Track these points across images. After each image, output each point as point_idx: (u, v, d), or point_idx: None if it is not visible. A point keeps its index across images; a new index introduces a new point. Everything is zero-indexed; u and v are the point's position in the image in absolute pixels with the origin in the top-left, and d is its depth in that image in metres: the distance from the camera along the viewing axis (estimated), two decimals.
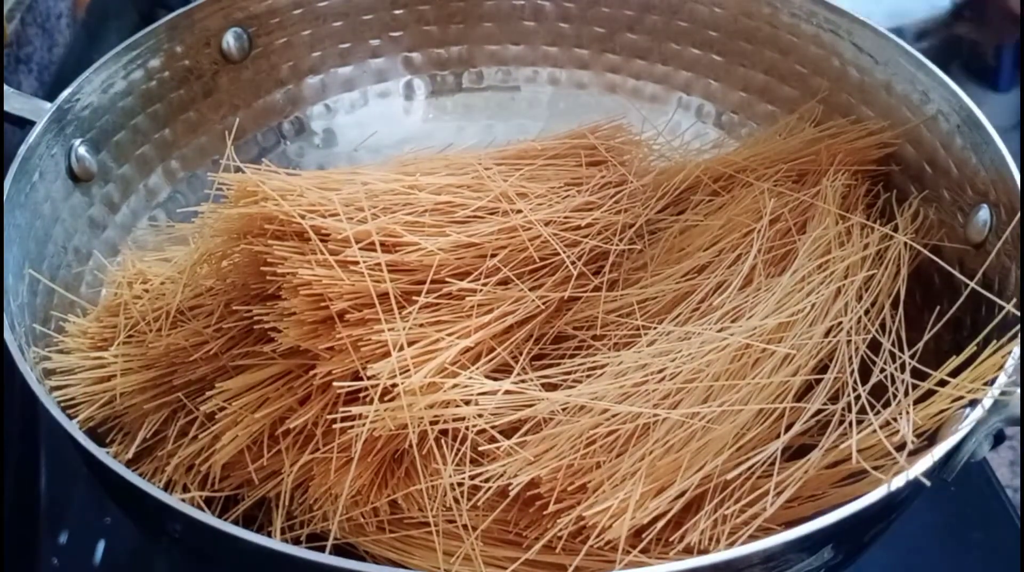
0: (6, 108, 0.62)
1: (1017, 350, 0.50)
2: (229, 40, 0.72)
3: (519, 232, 0.55)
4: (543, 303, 0.56)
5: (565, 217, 0.58)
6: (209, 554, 0.49)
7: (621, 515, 0.46)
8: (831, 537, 0.44)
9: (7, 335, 0.52)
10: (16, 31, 0.80)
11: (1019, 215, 0.56)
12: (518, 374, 0.53)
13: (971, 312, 0.58)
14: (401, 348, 0.49)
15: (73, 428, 0.48)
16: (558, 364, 0.55)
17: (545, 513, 0.48)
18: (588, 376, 0.53)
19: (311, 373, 0.51)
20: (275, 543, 0.43)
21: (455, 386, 0.50)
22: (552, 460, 0.48)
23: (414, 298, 0.52)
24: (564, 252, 0.56)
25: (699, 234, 0.62)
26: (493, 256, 0.54)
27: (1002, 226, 0.58)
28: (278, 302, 0.51)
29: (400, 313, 0.51)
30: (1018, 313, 0.53)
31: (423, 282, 0.52)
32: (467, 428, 0.49)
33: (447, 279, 0.53)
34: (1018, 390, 0.48)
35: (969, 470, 0.60)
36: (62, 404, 0.55)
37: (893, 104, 0.67)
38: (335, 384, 0.50)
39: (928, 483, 0.46)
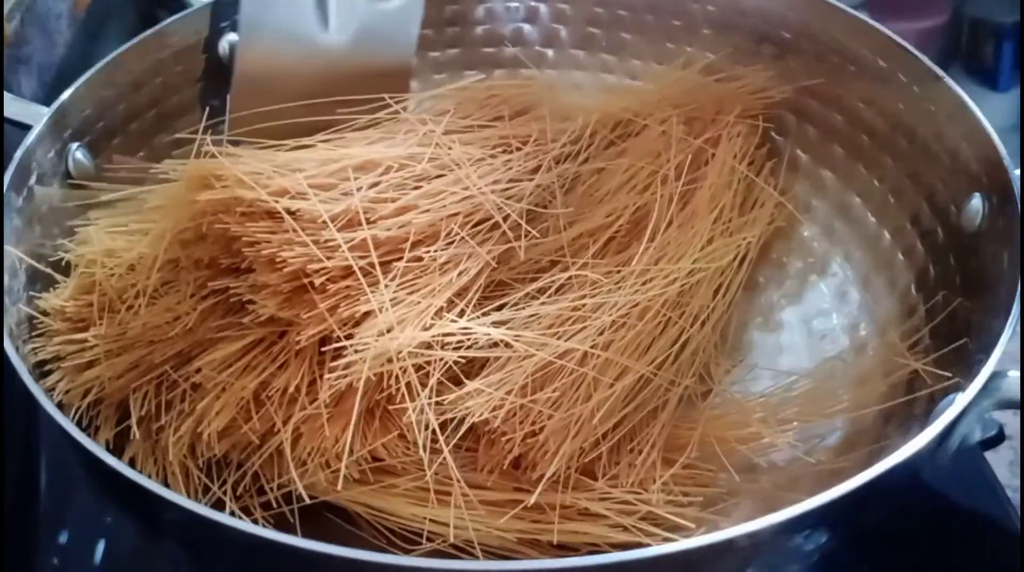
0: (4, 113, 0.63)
1: (1007, 334, 0.50)
2: (225, 46, 0.72)
3: (472, 198, 0.59)
4: (492, 259, 0.59)
5: (502, 189, 0.61)
6: (208, 551, 0.50)
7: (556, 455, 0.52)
8: (820, 520, 0.45)
9: (6, 338, 0.52)
10: (16, 31, 0.80)
11: (1015, 202, 0.56)
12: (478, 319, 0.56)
13: (965, 299, 0.58)
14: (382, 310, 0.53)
15: (66, 422, 0.49)
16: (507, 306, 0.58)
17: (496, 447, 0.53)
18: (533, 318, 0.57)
19: (286, 338, 0.54)
20: (274, 534, 0.43)
21: (432, 327, 0.53)
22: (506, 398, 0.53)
23: (386, 268, 0.55)
24: (508, 212, 0.60)
25: (609, 177, 0.66)
26: (451, 217, 0.58)
27: (995, 214, 0.58)
28: (250, 275, 0.53)
29: (373, 282, 0.54)
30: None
31: (392, 253, 0.55)
32: (436, 362, 0.52)
33: (415, 247, 0.56)
34: (1011, 373, 0.49)
35: (969, 470, 0.60)
36: (47, 388, 0.55)
37: (888, 95, 0.67)
38: (323, 348, 0.53)
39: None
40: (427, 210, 0.57)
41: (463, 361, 0.54)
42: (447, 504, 0.53)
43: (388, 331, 0.52)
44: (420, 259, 0.56)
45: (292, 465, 0.53)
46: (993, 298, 0.55)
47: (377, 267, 0.54)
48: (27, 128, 0.62)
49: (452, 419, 0.53)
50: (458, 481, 0.52)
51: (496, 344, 0.54)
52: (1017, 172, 0.57)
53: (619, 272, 0.59)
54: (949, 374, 0.54)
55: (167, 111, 0.71)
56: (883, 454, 0.45)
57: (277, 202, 0.53)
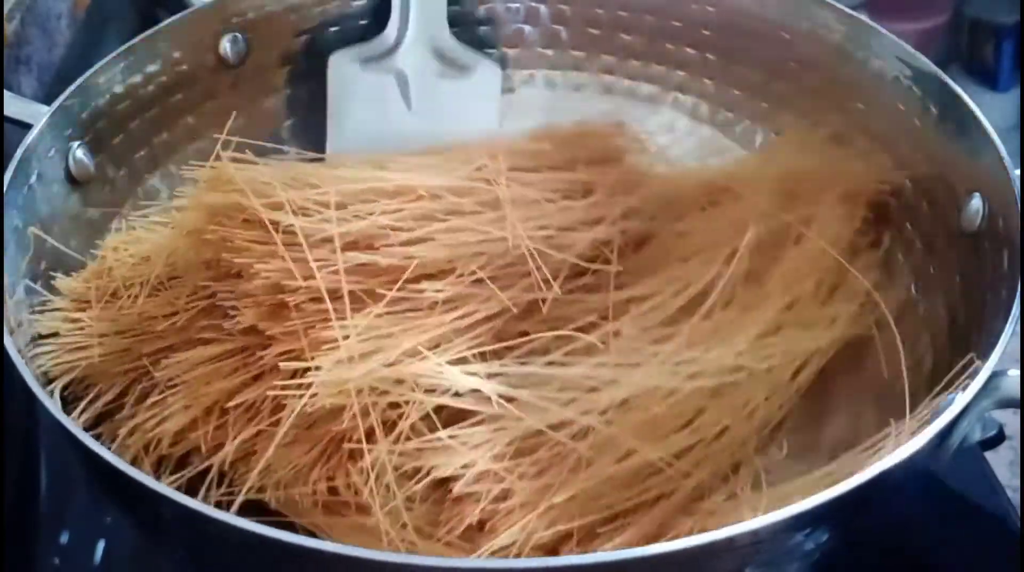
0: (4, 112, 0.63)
1: (1007, 334, 0.50)
2: (226, 45, 0.72)
3: (504, 241, 0.56)
4: (513, 305, 0.56)
5: (547, 235, 0.58)
6: (208, 549, 0.50)
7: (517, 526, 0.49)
8: (820, 519, 0.45)
9: (7, 338, 0.52)
10: (16, 31, 0.81)
11: (1015, 202, 0.56)
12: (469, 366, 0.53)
13: (966, 301, 0.58)
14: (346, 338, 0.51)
15: (67, 421, 0.49)
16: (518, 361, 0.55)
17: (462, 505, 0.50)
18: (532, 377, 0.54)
19: (265, 352, 0.53)
20: (274, 532, 0.42)
21: (398, 363, 0.51)
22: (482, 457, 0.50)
23: (379, 294, 0.53)
24: (539, 266, 0.56)
25: (680, 246, 0.63)
26: (475, 256, 0.55)
27: (995, 214, 0.58)
28: (241, 281, 0.53)
29: (357, 309, 0.52)
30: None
31: (393, 283, 0.53)
32: (412, 405, 0.50)
33: (418, 281, 0.54)
34: (1011, 372, 0.49)
35: (969, 470, 0.60)
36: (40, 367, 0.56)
37: (887, 97, 0.67)
38: (282, 365, 0.51)
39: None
40: (443, 245, 0.55)
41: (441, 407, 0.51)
42: (397, 548, 0.50)
43: (350, 360, 0.50)
44: (420, 293, 0.54)
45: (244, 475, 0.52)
46: (993, 298, 0.55)
47: (346, 296, 0.52)
48: (27, 127, 0.62)
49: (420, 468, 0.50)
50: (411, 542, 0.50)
51: (487, 398, 0.51)
52: (1017, 172, 0.57)
53: (654, 345, 0.56)
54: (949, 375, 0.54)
55: (168, 110, 0.71)
56: (883, 454, 0.46)
57: (263, 213, 0.53)
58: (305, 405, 0.50)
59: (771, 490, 0.53)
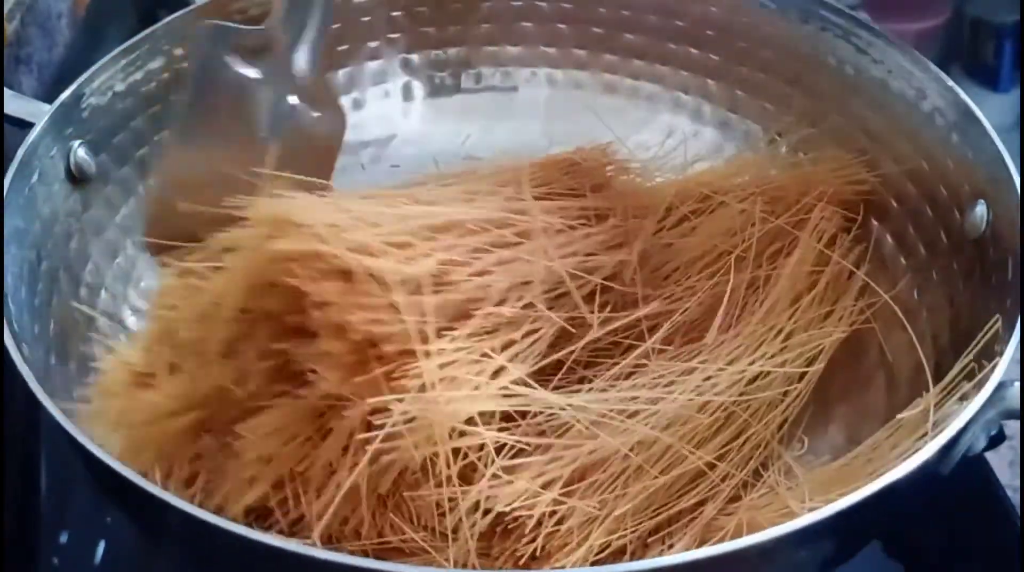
0: (5, 110, 0.63)
1: (1013, 343, 0.50)
2: None
3: (547, 269, 0.55)
4: (561, 328, 0.55)
5: (579, 261, 0.58)
6: (209, 554, 0.50)
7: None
8: (822, 534, 0.45)
9: (7, 337, 0.52)
10: (16, 31, 0.80)
11: (1018, 209, 0.56)
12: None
13: (969, 308, 0.58)
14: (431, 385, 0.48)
15: (67, 422, 0.48)
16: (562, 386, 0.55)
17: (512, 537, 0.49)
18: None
19: (335, 409, 0.50)
20: (275, 539, 0.43)
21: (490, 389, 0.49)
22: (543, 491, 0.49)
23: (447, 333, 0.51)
24: (576, 293, 0.56)
25: (678, 255, 0.63)
26: (524, 284, 0.54)
27: (999, 221, 0.58)
28: (314, 339, 0.49)
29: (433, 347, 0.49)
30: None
31: (458, 319, 0.51)
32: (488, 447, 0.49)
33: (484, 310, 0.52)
34: (1016, 383, 0.48)
35: (969, 470, 0.60)
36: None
37: (889, 101, 0.67)
38: (373, 422, 0.48)
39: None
40: (502, 276, 0.53)
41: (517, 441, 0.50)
42: None
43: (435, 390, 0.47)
44: (487, 326, 0.51)
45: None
46: (998, 306, 0.55)
47: (431, 335, 0.49)
48: (28, 126, 0.62)
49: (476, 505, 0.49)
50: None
51: (542, 432, 0.51)
52: (1018, 177, 0.57)
53: (688, 361, 0.57)
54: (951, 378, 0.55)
55: (169, 109, 0.70)
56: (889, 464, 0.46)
57: (359, 260, 0.48)
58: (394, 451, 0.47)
59: (803, 480, 0.55)
